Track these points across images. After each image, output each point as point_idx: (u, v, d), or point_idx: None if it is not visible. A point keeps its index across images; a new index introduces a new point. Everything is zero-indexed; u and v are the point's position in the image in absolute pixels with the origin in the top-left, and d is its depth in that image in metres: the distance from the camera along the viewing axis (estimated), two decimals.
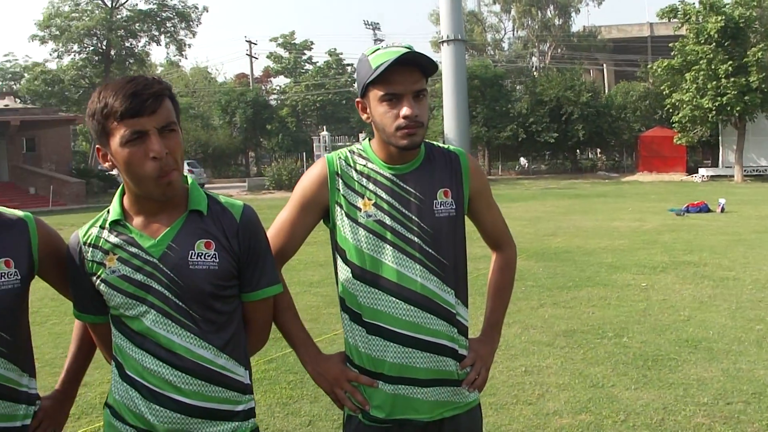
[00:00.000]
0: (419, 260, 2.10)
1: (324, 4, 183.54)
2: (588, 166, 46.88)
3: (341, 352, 2.22)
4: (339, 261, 2.17)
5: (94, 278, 1.93)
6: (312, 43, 66.74)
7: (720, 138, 38.32)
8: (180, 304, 1.88)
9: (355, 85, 2.18)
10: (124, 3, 50.27)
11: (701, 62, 34.41)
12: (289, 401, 5.03)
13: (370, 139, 2.22)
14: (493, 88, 44.17)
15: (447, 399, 2.15)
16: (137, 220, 1.93)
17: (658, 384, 5.13)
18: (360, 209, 2.12)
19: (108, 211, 1.97)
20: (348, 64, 61.34)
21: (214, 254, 1.91)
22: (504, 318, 2.41)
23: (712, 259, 10.67)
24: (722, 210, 18.08)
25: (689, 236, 13.53)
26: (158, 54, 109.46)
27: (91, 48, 49.56)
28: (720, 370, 5.38)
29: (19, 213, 2.06)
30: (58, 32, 48.06)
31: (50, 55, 58.14)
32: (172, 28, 51.66)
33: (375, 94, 2.07)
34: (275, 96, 64.30)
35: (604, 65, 58.71)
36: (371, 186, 2.13)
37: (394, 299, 2.08)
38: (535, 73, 54.66)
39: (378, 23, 57.81)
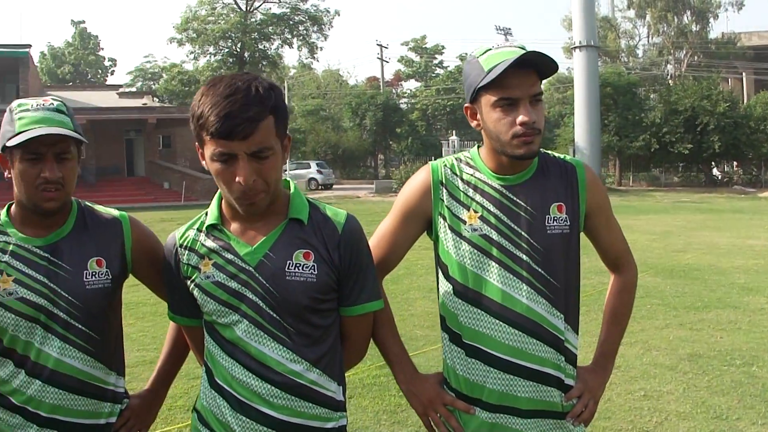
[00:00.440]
0: (527, 280, 1.94)
1: (456, 9, 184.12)
2: (723, 180, 44.54)
3: (438, 373, 2.10)
4: (441, 276, 2.05)
5: (189, 282, 1.89)
6: (443, 47, 67.29)
7: None
8: (274, 315, 1.81)
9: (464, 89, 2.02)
10: (258, 7, 52.28)
11: None
12: (397, 409, 4.94)
13: (479, 147, 2.07)
14: (626, 96, 42.77)
15: None
16: (234, 226, 1.86)
17: None
18: (465, 222, 1.98)
19: (206, 214, 1.92)
20: None
21: (313, 266, 1.82)
22: (619, 347, 2.21)
23: None
24: None
25: None
26: (291, 56, 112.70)
27: (226, 50, 51.77)
28: None
29: (114, 212, 2.06)
30: (195, 35, 50.56)
31: (187, 56, 61.04)
32: (305, 32, 53.16)
33: (488, 99, 1.91)
34: (405, 100, 65.20)
35: (744, 74, 55.55)
36: (478, 197, 1.99)
37: (497, 321, 1.94)
38: (670, 81, 52.53)
39: (510, 28, 57.22)
